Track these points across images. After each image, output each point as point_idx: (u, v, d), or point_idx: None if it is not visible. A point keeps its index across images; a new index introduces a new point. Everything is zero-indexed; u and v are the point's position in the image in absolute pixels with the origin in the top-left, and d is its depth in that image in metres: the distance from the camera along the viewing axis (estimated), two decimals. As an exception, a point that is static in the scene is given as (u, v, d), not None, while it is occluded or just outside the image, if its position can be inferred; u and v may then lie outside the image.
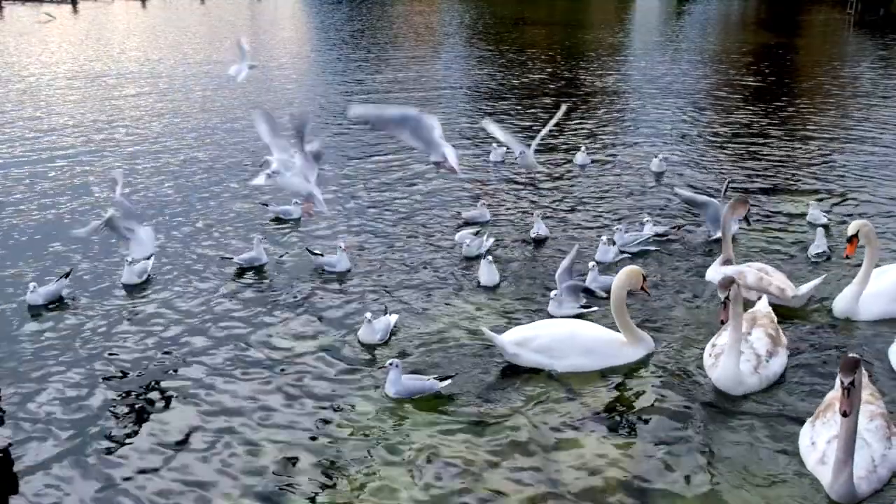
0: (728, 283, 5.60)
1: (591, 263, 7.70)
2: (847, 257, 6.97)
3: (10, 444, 5.31)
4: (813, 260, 8.17)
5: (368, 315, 6.51)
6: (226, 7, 45.11)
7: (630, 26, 36.83)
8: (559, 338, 6.15)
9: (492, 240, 8.62)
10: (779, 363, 5.95)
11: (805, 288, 7.11)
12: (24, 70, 21.36)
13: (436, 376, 5.76)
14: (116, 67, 22.00)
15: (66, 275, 7.54)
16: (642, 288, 6.38)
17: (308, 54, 26.75)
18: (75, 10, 41.02)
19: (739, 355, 5.74)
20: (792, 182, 11.15)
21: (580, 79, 20.54)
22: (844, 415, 4.36)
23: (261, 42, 30.20)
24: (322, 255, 8.03)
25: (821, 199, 10.10)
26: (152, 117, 15.64)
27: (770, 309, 6.52)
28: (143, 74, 20.75)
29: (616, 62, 24.01)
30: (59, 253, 8.61)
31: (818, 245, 8.22)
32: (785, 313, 6.85)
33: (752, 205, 7.94)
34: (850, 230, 6.71)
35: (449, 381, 5.75)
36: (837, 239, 8.62)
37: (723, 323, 5.68)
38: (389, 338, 6.60)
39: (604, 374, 6.12)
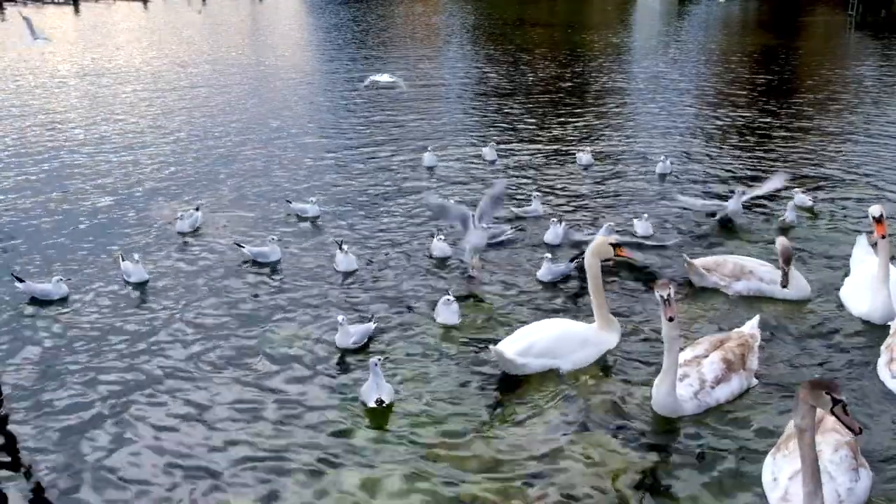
0: (665, 283, 5.39)
1: (546, 255, 7.83)
2: (883, 237, 6.59)
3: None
4: (785, 225, 9.05)
5: (340, 318, 6.48)
6: (227, 8, 45.20)
7: (631, 27, 36.73)
8: (555, 336, 6.17)
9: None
10: (727, 391, 5.64)
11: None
12: (25, 69, 21.42)
13: (378, 398, 5.54)
14: (118, 67, 22.05)
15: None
16: (619, 255, 6.43)
17: (310, 56, 26.75)
18: (77, 11, 41.14)
19: (674, 379, 5.45)
20: (794, 182, 11.04)
21: (582, 79, 20.49)
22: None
23: (263, 43, 30.24)
24: (345, 251, 8.04)
25: (822, 197, 10.15)
26: (155, 116, 15.68)
27: (756, 332, 6.25)
28: (144, 74, 20.79)
29: (618, 62, 23.95)
30: (60, 248, 8.75)
31: (788, 215, 9.19)
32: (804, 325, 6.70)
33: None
34: (875, 212, 6.59)
35: (381, 405, 5.52)
36: (820, 220, 9.45)
37: (671, 320, 5.36)
38: (368, 343, 6.53)
39: (580, 377, 6.07)
